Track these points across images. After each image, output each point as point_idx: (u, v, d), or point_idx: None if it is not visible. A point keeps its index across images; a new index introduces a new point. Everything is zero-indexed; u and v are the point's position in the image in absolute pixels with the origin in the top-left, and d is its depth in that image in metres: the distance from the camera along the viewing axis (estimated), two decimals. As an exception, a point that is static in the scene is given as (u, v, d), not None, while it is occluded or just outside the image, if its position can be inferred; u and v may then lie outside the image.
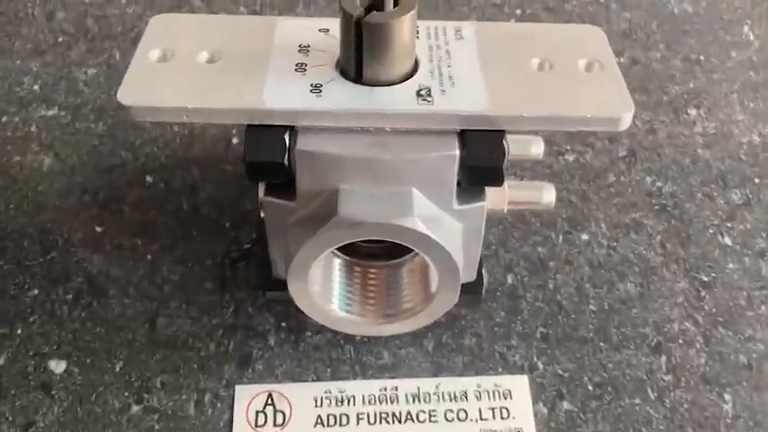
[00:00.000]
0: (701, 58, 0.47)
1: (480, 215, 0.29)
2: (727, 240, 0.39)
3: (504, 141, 0.27)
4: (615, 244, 0.39)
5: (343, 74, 0.28)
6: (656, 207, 0.40)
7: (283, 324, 0.35)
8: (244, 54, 0.29)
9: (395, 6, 0.27)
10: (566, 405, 0.34)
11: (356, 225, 0.26)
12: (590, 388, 0.34)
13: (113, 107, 0.41)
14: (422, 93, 0.27)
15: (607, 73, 0.29)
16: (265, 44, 0.29)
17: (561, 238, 0.39)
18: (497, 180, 0.27)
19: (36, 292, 0.35)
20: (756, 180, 0.41)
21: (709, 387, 0.35)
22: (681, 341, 0.36)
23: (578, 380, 0.34)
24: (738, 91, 0.45)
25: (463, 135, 0.27)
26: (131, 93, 0.27)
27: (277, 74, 0.28)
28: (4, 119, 0.40)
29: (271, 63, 0.28)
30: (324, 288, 0.30)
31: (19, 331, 0.34)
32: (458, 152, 0.27)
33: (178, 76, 0.28)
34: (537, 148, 0.33)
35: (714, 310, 0.37)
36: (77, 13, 0.46)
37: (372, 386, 0.33)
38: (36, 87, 0.42)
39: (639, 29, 0.48)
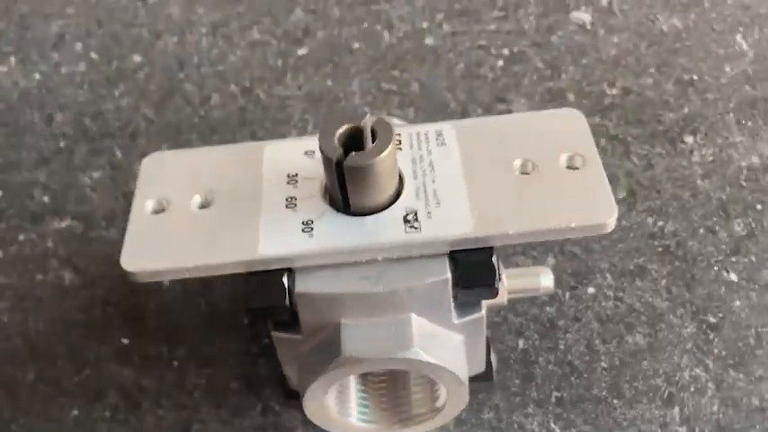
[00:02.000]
0: (695, 77, 0.48)
1: (481, 323, 0.31)
2: (733, 276, 0.40)
3: (493, 258, 0.29)
4: (621, 294, 0.40)
5: (332, 203, 0.30)
6: (659, 249, 0.41)
7: (310, 418, 0.37)
8: (235, 193, 0.31)
9: (373, 141, 0.28)
10: (586, 469, 0.36)
11: (360, 362, 0.28)
12: (607, 449, 0.36)
13: (122, 210, 0.43)
14: (409, 218, 0.29)
15: (589, 169, 0.30)
16: (255, 177, 0.31)
17: (568, 294, 0.40)
18: (491, 295, 0.29)
19: (76, 412, 0.38)
20: (759, 207, 0.42)
21: (723, 435, 0.36)
22: (692, 389, 0.38)
23: (595, 442, 0.36)
24: (735, 110, 0.46)
25: (453, 255, 0.29)
26: (133, 257, 0.29)
27: (269, 215, 0.30)
28: (22, 237, 0.43)
29: (263, 201, 0.30)
30: (340, 402, 0.32)
31: (66, 453, 0.37)
32: (449, 275, 0.29)
33: (175, 230, 0.30)
34: (547, 281, 0.34)
35: (724, 352, 0.38)
36: (74, 113, 0.47)
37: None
38: (46, 199, 0.44)
39: (629, 54, 0.49)
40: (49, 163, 0.45)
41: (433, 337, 0.29)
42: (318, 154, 0.30)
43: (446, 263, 0.29)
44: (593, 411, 0.37)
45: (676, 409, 0.37)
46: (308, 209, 0.30)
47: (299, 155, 0.32)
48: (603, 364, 0.38)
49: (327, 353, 0.29)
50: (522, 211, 0.29)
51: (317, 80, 0.48)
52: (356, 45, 0.50)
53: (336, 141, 0.28)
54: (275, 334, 0.31)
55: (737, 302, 0.40)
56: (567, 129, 0.32)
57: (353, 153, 0.28)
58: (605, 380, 0.38)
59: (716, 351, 0.39)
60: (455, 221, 0.29)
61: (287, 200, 0.30)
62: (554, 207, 0.29)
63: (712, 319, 0.39)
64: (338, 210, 0.30)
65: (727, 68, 0.48)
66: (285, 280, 0.29)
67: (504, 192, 0.30)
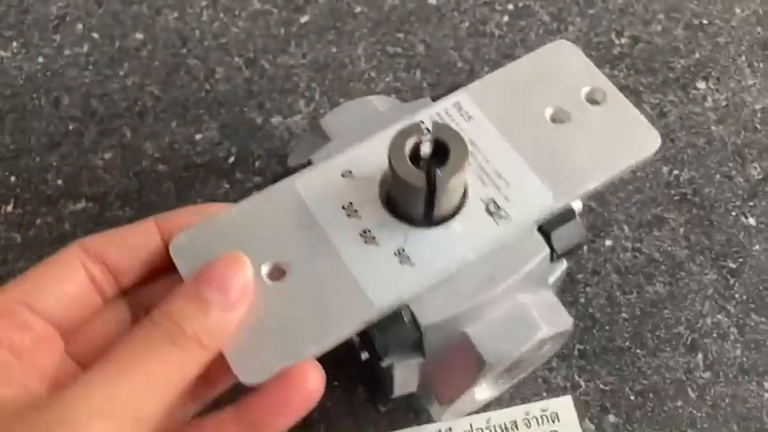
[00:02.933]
0: (704, 21, 0.47)
1: (564, 274, 0.31)
2: (751, 221, 0.40)
3: (578, 217, 0.29)
4: (639, 245, 0.40)
5: (402, 218, 0.28)
6: (676, 198, 0.41)
7: (335, 383, 0.38)
8: (302, 250, 0.27)
9: (437, 145, 0.27)
10: (611, 418, 0.37)
11: (502, 362, 0.28)
12: (632, 398, 0.37)
13: (136, 189, 0.44)
14: (491, 209, 0.28)
15: (613, 101, 0.30)
16: (309, 223, 0.28)
17: (586, 248, 0.40)
18: (581, 248, 0.29)
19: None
20: (774, 149, 0.42)
21: (747, 378, 0.37)
22: (715, 335, 0.38)
23: (620, 391, 0.37)
24: (746, 52, 0.45)
25: (541, 228, 0.28)
26: (245, 367, 0.25)
27: (356, 261, 0.27)
28: (39, 221, 0.43)
29: (339, 249, 0.27)
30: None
31: None
32: (547, 249, 0.28)
33: (266, 318, 0.26)
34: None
35: (745, 297, 0.39)
36: (81, 94, 0.47)
37: (428, 431, 0.37)
38: (60, 182, 0.45)
39: (636, 1, 0.48)
40: (60, 146, 0.46)
41: (543, 307, 0.29)
42: (354, 170, 0.29)
43: (539, 238, 0.28)
44: (616, 362, 0.38)
45: (700, 356, 0.38)
46: (388, 237, 0.27)
47: (336, 179, 0.29)
48: (625, 315, 0.39)
49: (468, 365, 0.28)
50: (584, 162, 0.28)
51: (321, 47, 0.48)
52: (358, 9, 0.50)
53: (412, 165, 0.26)
54: (397, 365, 0.30)
55: (756, 246, 0.40)
56: (570, 64, 0.31)
57: (439, 171, 0.26)
58: (627, 330, 0.38)
59: (737, 296, 0.39)
60: (534, 196, 0.28)
61: (361, 235, 0.27)
62: (608, 149, 0.29)
63: (732, 265, 0.40)
64: (416, 224, 0.28)
65: (738, 10, 0.48)
66: (406, 318, 0.27)
67: (556, 148, 0.29)
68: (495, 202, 0.28)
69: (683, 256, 0.40)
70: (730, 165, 0.42)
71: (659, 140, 0.29)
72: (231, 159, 0.44)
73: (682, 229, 0.41)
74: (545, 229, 0.28)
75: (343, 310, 0.26)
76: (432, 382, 0.31)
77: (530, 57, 0.32)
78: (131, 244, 0.27)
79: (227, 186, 0.44)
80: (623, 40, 0.46)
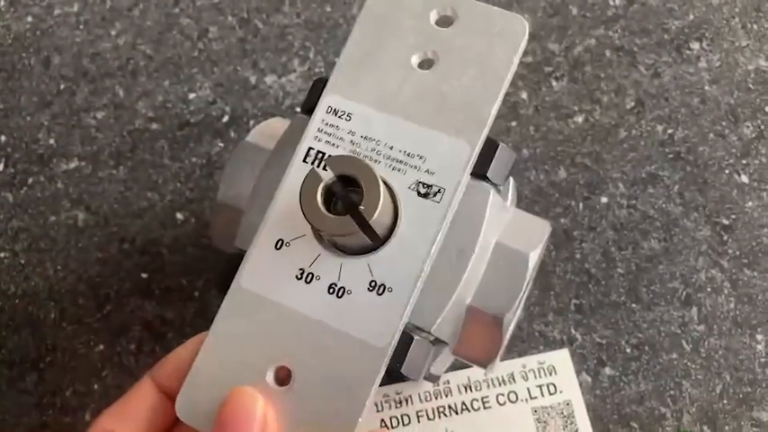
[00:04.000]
0: (698, -17, 0.47)
1: (514, 188, 0.32)
2: (744, 178, 0.41)
3: (499, 143, 0.28)
4: (635, 202, 0.41)
5: (352, 252, 0.27)
6: (670, 156, 0.42)
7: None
8: (288, 339, 0.26)
9: (347, 181, 0.26)
10: (608, 371, 0.37)
11: (515, 305, 0.28)
12: (628, 350, 0.37)
13: (129, 148, 0.43)
14: (422, 191, 0.27)
15: (463, 11, 0.29)
16: (278, 311, 0.27)
17: (582, 205, 0.41)
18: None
19: (102, 347, 0.39)
20: (767, 109, 0.43)
21: (740, 331, 0.38)
22: (709, 289, 0.39)
23: (616, 345, 0.38)
24: (740, 14, 0.46)
25: (475, 173, 0.27)
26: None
27: (339, 318, 0.26)
28: (31, 180, 0.43)
29: (318, 317, 0.26)
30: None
31: (96, 387, 0.38)
32: (492, 189, 0.28)
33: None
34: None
35: (738, 252, 0.39)
36: (72, 54, 0.47)
37: (426, 384, 0.37)
38: (52, 141, 0.44)
39: (631, -37, 0.48)
40: (51, 105, 0.45)
41: (517, 232, 0.29)
42: (286, 235, 0.27)
43: (479, 184, 0.27)
44: (612, 316, 0.38)
45: (694, 310, 0.38)
46: (354, 278, 0.26)
47: (273, 256, 0.27)
48: (620, 270, 0.39)
49: (490, 328, 0.28)
50: (474, 90, 0.27)
51: (315, 6, 0.47)
52: (352, -29, 0.49)
53: (332, 216, 0.25)
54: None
55: (749, 203, 0.40)
56: (402, 1, 0.29)
57: (361, 206, 0.25)
58: (623, 285, 0.39)
59: (730, 251, 0.39)
60: (452, 154, 0.27)
61: (330, 293, 0.26)
62: (485, 63, 0.28)
63: (725, 221, 0.40)
64: (369, 251, 0.27)
65: (731, -28, 0.48)
66: (415, 335, 0.27)
67: (441, 93, 0.28)
68: (422, 183, 0.27)
69: (677, 213, 0.40)
70: (724, 124, 0.42)
71: (525, 22, 0.28)
72: (225, 118, 0.44)
73: (676, 187, 0.41)
74: (480, 173, 0.27)
75: (359, 371, 0.25)
76: (466, 356, 0.31)
77: (360, 18, 0.30)
78: (137, 416, 0.27)
79: (222, 145, 0.43)
80: (617, 2, 0.46)
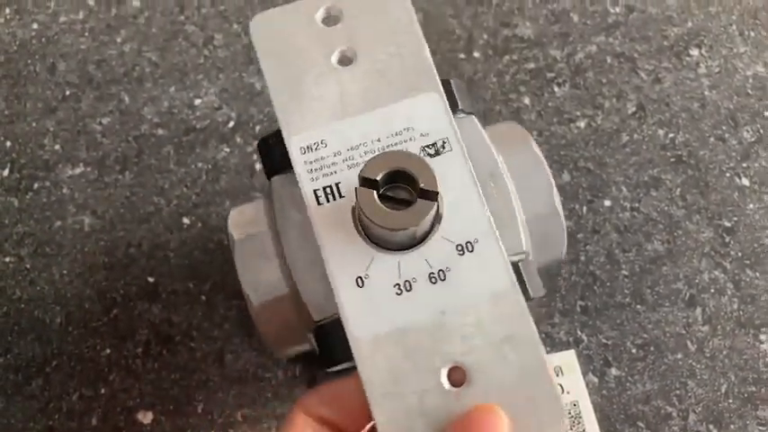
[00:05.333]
0: (696, -9, 0.48)
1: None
2: (745, 181, 0.41)
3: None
4: (638, 204, 0.41)
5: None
6: (672, 159, 0.42)
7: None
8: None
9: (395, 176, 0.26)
10: (614, 371, 0.37)
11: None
12: (634, 351, 0.38)
13: (135, 153, 0.43)
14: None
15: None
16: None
17: (585, 208, 0.41)
18: None
19: (108, 351, 0.39)
20: (766, 113, 0.43)
21: (744, 330, 0.38)
22: (712, 290, 0.39)
23: (622, 345, 0.38)
24: (737, 21, 0.46)
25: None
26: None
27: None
28: (36, 185, 0.43)
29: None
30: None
31: (103, 391, 0.38)
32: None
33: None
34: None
35: (740, 253, 0.40)
36: (77, 61, 0.47)
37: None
38: (57, 147, 0.44)
39: (630, -28, 0.49)
40: (57, 111, 0.45)
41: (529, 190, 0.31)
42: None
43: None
44: (617, 317, 0.38)
45: (698, 310, 0.39)
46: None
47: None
48: (625, 272, 0.40)
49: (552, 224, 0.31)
50: (406, 55, 0.29)
51: (319, 15, 0.48)
52: (355, -20, 0.50)
53: (400, 212, 0.25)
54: None
55: (750, 206, 0.41)
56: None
57: (422, 185, 0.25)
58: (627, 287, 0.39)
59: (732, 253, 0.40)
60: (431, 109, 0.28)
61: (430, 276, 0.26)
62: (394, 32, 0.29)
63: (727, 223, 0.41)
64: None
65: (728, -19, 0.49)
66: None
67: (381, 72, 0.29)
68: (426, 146, 0.28)
69: (680, 216, 0.41)
70: (724, 128, 0.43)
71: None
72: (231, 124, 0.44)
73: (678, 190, 0.41)
74: (455, 110, 0.29)
75: (511, 322, 0.25)
76: (545, 260, 0.32)
77: (260, 59, 0.30)
78: (344, 402, 0.26)
79: (228, 150, 0.44)
80: (618, 9, 0.47)
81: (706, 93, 0.44)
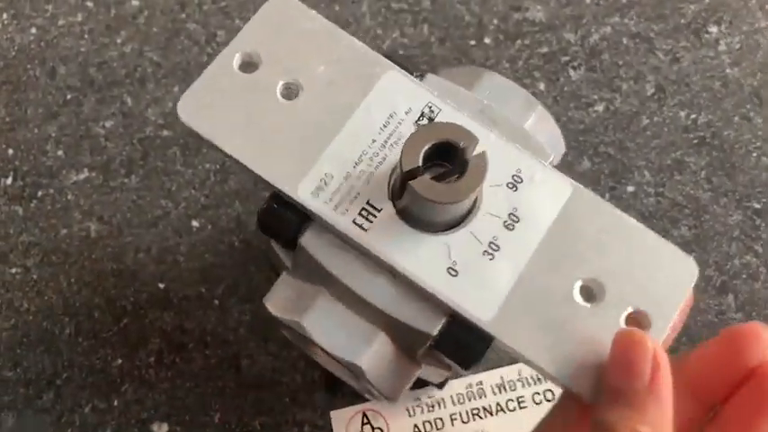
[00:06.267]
0: (712, -34, 0.46)
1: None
2: (773, 161, 0.40)
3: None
4: (662, 189, 0.40)
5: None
6: (695, 141, 0.41)
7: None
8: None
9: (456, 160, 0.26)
10: (645, 363, 0.36)
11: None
12: (665, 342, 0.36)
13: (140, 156, 0.42)
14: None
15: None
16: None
17: (608, 195, 0.40)
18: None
19: (120, 361, 0.38)
20: (791, 89, 0.42)
21: (780, 316, 0.36)
22: (744, 276, 0.37)
23: (652, 336, 0.36)
24: (757, -6, 0.45)
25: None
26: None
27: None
28: (40, 193, 0.42)
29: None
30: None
31: (116, 403, 0.37)
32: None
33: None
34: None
35: (772, 236, 0.38)
36: (77, 64, 0.46)
37: (458, 385, 0.36)
38: (60, 153, 0.43)
39: (643, -51, 0.47)
40: (59, 116, 0.44)
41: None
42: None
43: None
44: (646, 307, 0.37)
45: (731, 297, 0.37)
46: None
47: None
48: (651, 259, 0.38)
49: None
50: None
51: (324, 6, 0.46)
52: (358, -30, 0.48)
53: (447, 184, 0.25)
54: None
55: (780, 186, 0.39)
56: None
57: (443, 186, 0.25)
58: (655, 275, 0.38)
59: (764, 236, 0.38)
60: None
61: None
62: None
63: (757, 205, 0.39)
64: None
65: (745, -46, 0.47)
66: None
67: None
68: (423, 114, 0.28)
69: (706, 199, 0.39)
70: (748, 107, 0.41)
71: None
72: (237, 122, 0.43)
73: (703, 172, 0.40)
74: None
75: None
76: None
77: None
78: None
79: (235, 150, 0.42)
80: (631, -12, 0.45)
81: (727, 71, 0.42)
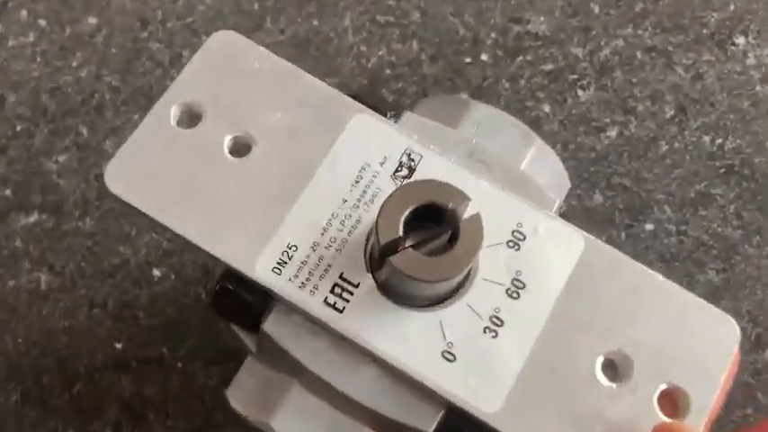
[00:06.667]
0: (736, -32, 0.42)
1: None
2: (812, 192, 0.35)
3: None
4: (685, 227, 0.35)
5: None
6: (722, 170, 0.36)
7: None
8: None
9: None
10: None
11: None
12: (693, 408, 0.32)
13: (96, 196, 0.38)
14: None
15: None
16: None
17: (624, 234, 0.35)
18: None
19: (71, 435, 0.34)
20: (830, 108, 0.37)
21: (825, 376, 0.32)
22: (783, 328, 0.33)
23: (678, 401, 0.32)
24: (787, 0, 0.40)
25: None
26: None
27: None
28: (-15, 238, 0.38)
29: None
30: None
31: (66, 486, 0.33)
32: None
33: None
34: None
35: (813, 281, 0.34)
36: (29, 90, 0.42)
37: None
38: (8, 192, 0.39)
39: (657, -50, 0.43)
40: (6, 150, 0.40)
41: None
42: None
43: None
44: (670, 366, 0.33)
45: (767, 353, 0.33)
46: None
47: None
48: (675, 310, 0.34)
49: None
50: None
51: (300, 21, 0.42)
52: (341, -22, 0.44)
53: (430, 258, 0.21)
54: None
55: (821, 221, 0.35)
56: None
57: (431, 261, 0.21)
58: (680, 328, 0.33)
59: (804, 280, 0.34)
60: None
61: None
62: None
63: (794, 244, 0.35)
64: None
65: (773, -46, 0.42)
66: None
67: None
68: (402, 165, 0.24)
69: (736, 238, 0.35)
70: (781, 129, 0.37)
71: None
72: (205, 155, 0.39)
73: (732, 206, 0.36)
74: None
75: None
76: None
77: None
78: None
79: (203, 186, 0.38)
80: (645, -6, 0.41)
81: (757, 88, 0.38)
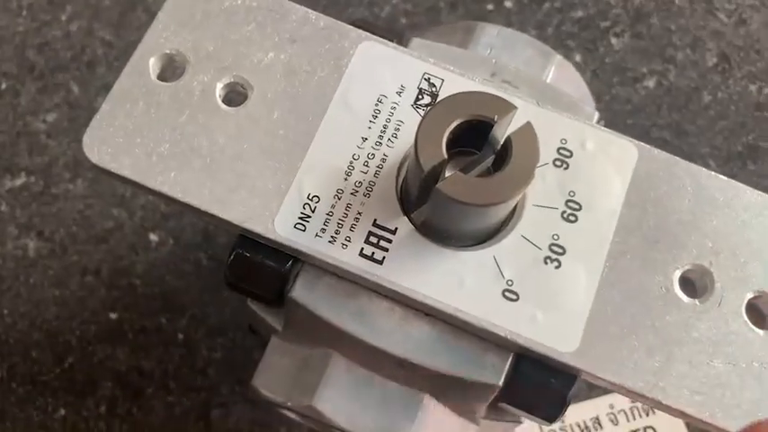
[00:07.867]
0: None
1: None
2: None
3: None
4: (732, 182, 0.33)
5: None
6: (771, 121, 0.34)
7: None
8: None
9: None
10: (722, 406, 0.29)
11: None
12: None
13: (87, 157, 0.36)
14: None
15: None
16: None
17: (664, 191, 0.33)
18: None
19: (63, 412, 0.32)
20: None
21: None
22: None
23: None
24: (837, -60, 0.38)
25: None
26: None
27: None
28: (-32, 203, 0.36)
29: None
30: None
31: (57, 465, 0.31)
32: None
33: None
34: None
35: None
36: (14, 46, 0.40)
37: None
38: (-7, 154, 0.37)
39: None
40: (-9, 110, 0.38)
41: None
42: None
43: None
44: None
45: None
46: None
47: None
48: (724, 271, 0.31)
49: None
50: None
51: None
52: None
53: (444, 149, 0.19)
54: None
55: None
56: None
57: (486, 181, 0.19)
58: (729, 291, 0.31)
59: None
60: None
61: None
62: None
63: None
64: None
65: None
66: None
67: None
68: (422, 91, 0.22)
69: (790, 194, 0.33)
70: (835, 76, 0.35)
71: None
72: (206, 112, 0.36)
73: (784, 160, 0.33)
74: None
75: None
76: None
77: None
78: None
79: (204, 145, 0.36)
80: (682, -64, 0.39)
81: (807, 32, 0.36)
